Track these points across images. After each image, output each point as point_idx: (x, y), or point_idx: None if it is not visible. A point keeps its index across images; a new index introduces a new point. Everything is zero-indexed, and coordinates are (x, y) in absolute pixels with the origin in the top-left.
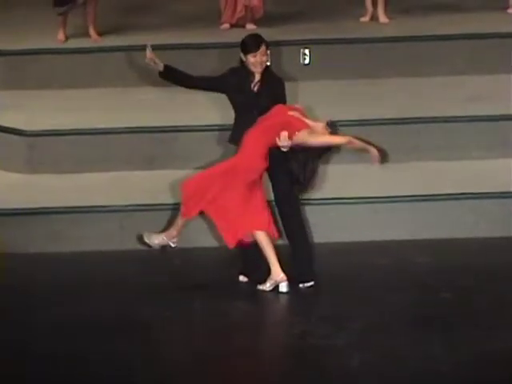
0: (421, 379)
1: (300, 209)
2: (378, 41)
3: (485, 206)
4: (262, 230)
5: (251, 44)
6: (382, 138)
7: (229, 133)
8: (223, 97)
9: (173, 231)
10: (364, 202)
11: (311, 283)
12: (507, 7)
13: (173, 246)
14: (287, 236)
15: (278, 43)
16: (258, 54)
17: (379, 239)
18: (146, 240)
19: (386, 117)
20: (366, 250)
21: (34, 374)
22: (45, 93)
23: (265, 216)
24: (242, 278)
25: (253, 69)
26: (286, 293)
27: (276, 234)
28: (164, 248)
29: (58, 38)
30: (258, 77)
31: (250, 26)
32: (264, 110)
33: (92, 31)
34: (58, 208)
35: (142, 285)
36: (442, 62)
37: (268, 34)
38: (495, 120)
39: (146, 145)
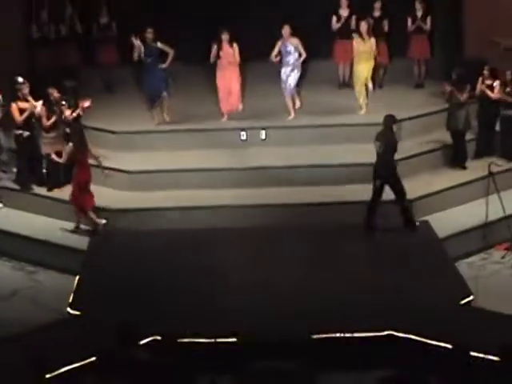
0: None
1: None
2: (298, 127)
3: None
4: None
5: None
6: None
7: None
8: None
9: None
10: None
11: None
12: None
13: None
14: (403, 206)
15: (249, 128)
16: None
17: None
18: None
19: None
20: None
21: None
22: (140, 153)
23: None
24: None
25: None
26: None
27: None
28: None
29: (155, 123)
30: None
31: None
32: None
33: (166, 114)
34: (146, 208)
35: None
36: (339, 139)
37: (245, 122)
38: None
39: (196, 177)
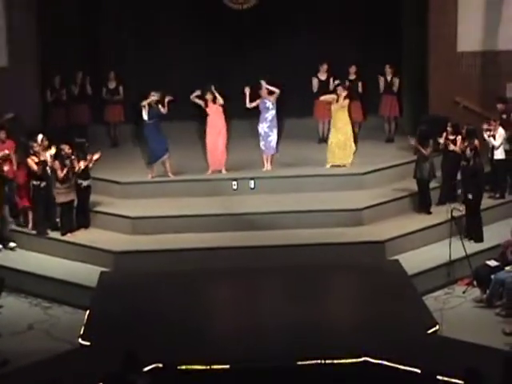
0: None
1: None
2: (282, 177)
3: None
4: None
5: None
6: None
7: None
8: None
9: None
10: None
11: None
12: None
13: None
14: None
15: (240, 178)
16: None
17: None
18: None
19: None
20: None
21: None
22: (141, 201)
23: None
24: None
25: None
26: None
27: None
28: None
29: (150, 176)
30: None
31: (224, 171)
32: None
33: (169, 171)
34: (146, 250)
35: None
36: (318, 187)
37: (236, 173)
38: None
39: (191, 222)
